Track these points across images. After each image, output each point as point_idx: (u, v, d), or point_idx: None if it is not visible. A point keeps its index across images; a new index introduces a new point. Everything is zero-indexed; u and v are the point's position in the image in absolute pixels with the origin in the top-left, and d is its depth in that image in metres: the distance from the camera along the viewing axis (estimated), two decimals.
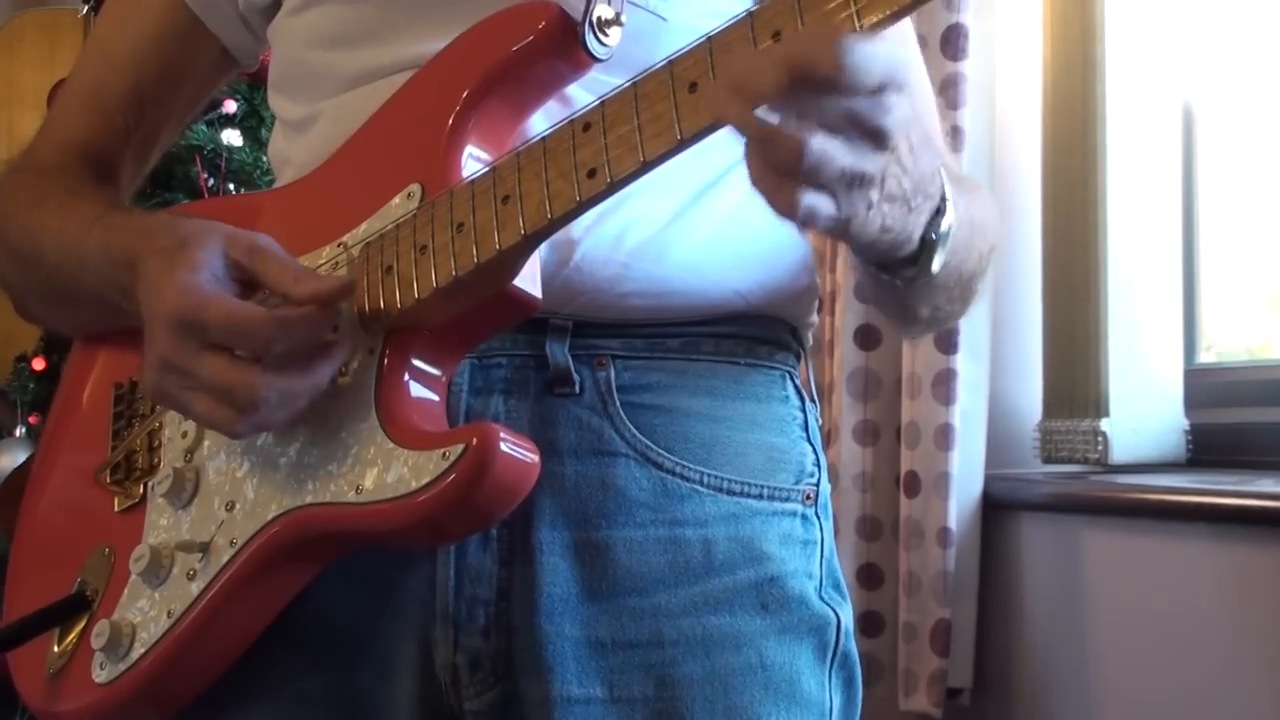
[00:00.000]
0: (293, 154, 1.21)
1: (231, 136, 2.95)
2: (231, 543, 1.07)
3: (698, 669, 1.10)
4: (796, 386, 1.22)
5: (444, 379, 1.06)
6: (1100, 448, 2.33)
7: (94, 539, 1.19)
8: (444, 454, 0.98)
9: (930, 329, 1.22)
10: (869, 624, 2.64)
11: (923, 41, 2.40)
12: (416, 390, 1.04)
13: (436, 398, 1.05)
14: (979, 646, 2.52)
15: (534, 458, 1.01)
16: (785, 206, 0.84)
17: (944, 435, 2.49)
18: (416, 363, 1.04)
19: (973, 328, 2.52)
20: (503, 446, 0.98)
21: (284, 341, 0.99)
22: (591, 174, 0.94)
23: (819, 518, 1.19)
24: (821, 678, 1.15)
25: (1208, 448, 2.37)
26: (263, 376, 0.99)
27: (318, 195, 1.15)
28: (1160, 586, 2.21)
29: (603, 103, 0.95)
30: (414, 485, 0.98)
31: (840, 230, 0.89)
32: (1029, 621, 2.48)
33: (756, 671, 1.11)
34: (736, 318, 1.16)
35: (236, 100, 2.97)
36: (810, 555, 1.17)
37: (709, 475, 1.13)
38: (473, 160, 1.05)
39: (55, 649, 1.16)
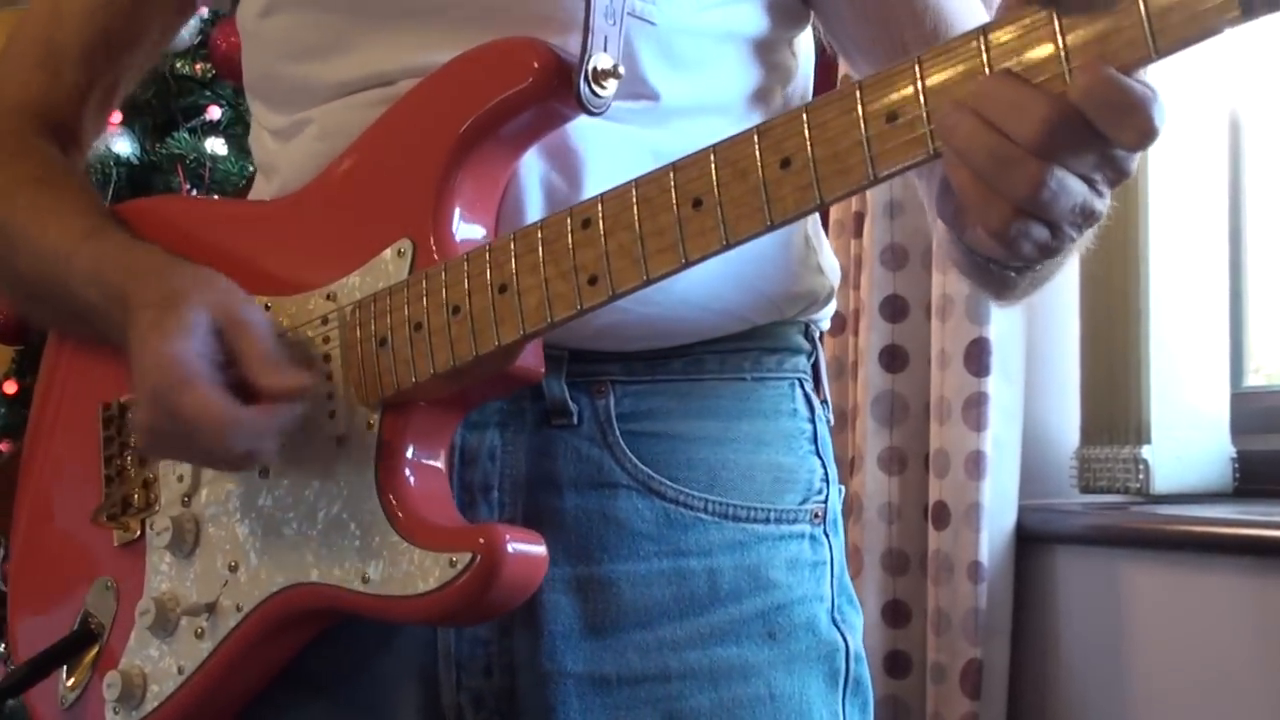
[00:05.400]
0: (279, 162, 1.24)
1: (216, 145, 2.96)
2: (238, 607, 1.14)
3: (705, 702, 1.14)
4: (806, 394, 1.25)
5: (444, 449, 1.11)
6: (1141, 476, 2.36)
7: (94, 571, 1.25)
8: (451, 560, 1.04)
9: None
10: (895, 664, 2.66)
11: None
12: (419, 470, 1.10)
13: (438, 474, 1.11)
14: (1012, 688, 2.54)
15: (542, 551, 1.07)
16: (993, 226, 0.87)
17: (975, 463, 2.50)
18: (417, 439, 1.10)
19: (1006, 349, 2.53)
20: (510, 549, 1.04)
21: (244, 441, 1.06)
22: (593, 281, 0.99)
23: (828, 536, 1.23)
24: (835, 706, 1.20)
25: (1256, 476, 2.40)
26: (242, 423, 1.06)
27: (302, 226, 1.18)
28: (1204, 624, 2.23)
29: (601, 199, 1.00)
30: (420, 588, 1.05)
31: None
32: (1065, 662, 2.51)
33: (765, 703, 1.16)
34: (742, 335, 1.20)
35: (221, 106, 2.99)
36: (820, 577, 1.22)
37: (713, 502, 1.17)
38: (463, 216, 1.09)
39: (67, 682, 1.24)
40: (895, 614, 2.67)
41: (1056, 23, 0.83)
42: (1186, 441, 2.38)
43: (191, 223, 1.27)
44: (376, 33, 1.15)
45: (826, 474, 1.25)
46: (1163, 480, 2.36)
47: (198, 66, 3.01)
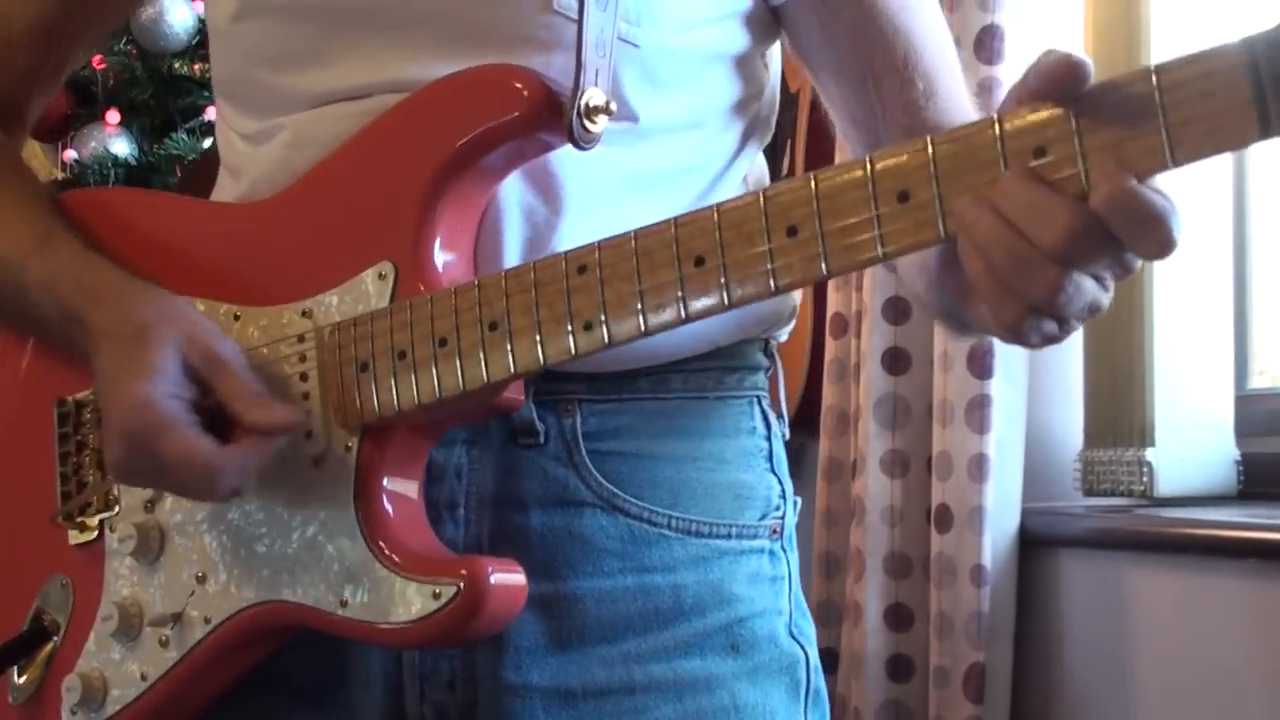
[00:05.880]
0: (248, 165, 1.23)
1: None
2: (206, 620, 1.14)
3: (670, 713, 1.16)
4: (764, 410, 1.26)
5: (419, 473, 1.12)
6: (1145, 479, 2.36)
7: (48, 568, 1.24)
8: (435, 592, 1.05)
9: None
10: (897, 668, 2.67)
11: (956, 44, 2.41)
12: (397, 494, 1.10)
13: (415, 498, 1.11)
14: (1015, 692, 2.54)
15: (522, 581, 1.08)
16: (1006, 321, 0.90)
17: (978, 466, 2.51)
18: (394, 463, 1.10)
19: (1009, 351, 2.53)
20: (494, 580, 1.05)
21: (230, 480, 1.07)
22: (588, 328, 1.00)
23: (785, 551, 1.25)
24: (797, 717, 1.21)
25: (1261, 479, 2.39)
26: (227, 464, 1.06)
27: (274, 235, 1.17)
28: (1208, 628, 2.23)
29: (599, 247, 1.00)
30: (401, 617, 1.06)
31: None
32: (1069, 666, 2.51)
33: (729, 713, 1.17)
34: (706, 354, 1.21)
35: None
36: (779, 591, 1.23)
37: (677, 519, 1.18)
38: (444, 242, 1.09)
39: (19, 680, 1.23)
40: (898, 617, 2.68)
41: (1074, 123, 0.84)
42: (1191, 444, 2.38)
43: (151, 220, 1.25)
44: (355, 46, 1.15)
45: (783, 490, 1.26)
46: (1167, 483, 2.36)
47: (196, 67, 3.02)
